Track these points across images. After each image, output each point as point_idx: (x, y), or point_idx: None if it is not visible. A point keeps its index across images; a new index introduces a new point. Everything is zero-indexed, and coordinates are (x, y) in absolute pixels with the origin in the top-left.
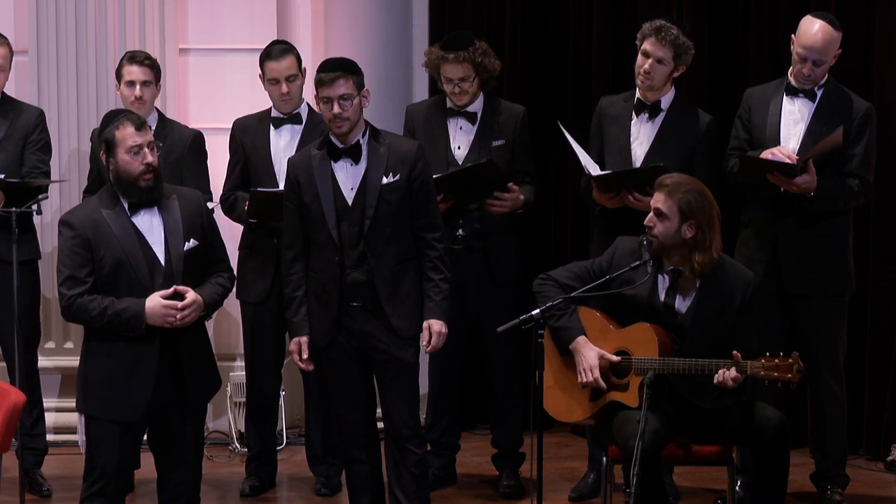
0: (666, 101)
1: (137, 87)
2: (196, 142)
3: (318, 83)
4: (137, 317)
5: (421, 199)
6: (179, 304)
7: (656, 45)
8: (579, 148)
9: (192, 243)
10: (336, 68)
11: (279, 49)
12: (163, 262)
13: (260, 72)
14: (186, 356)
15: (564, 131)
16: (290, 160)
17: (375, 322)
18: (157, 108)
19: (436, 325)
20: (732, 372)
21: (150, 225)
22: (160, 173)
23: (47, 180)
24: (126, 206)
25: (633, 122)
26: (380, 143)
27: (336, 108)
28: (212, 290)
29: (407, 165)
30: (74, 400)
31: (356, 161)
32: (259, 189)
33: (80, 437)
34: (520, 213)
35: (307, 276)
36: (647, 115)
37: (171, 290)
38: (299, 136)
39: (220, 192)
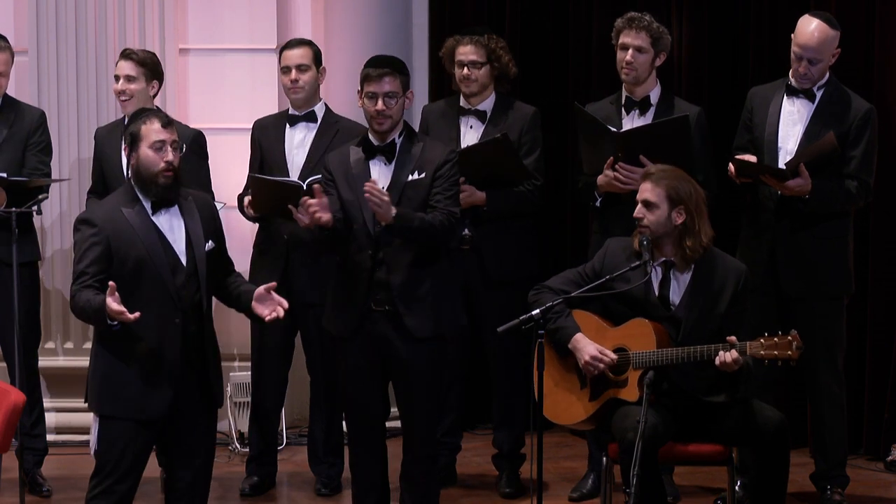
0: (654, 95)
1: (120, 81)
2: (197, 141)
3: (365, 78)
4: (100, 311)
5: (441, 185)
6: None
7: (632, 34)
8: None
9: (210, 245)
10: (385, 65)
11: (296, 40)
12: (184, 262)
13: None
14: (211, 355)
15: (582, 108)
16: (328, 156)
17: (394, 328)
18: (157, 107)
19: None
20: (733, 353)
21: (171, 225)
22: (179, 174)
23: (49, 179)
24: (148, 206)
25: (624, 120)
26: (414, 143)
27: (380, 105)
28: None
29: (434, 165)
30: (75, 400)
31: (389, 160)
32: (256, 175)
33: (91, 439)
34: (484, 210)
35: (339, 266)
36: (637, 111)
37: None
38: (314, 134)
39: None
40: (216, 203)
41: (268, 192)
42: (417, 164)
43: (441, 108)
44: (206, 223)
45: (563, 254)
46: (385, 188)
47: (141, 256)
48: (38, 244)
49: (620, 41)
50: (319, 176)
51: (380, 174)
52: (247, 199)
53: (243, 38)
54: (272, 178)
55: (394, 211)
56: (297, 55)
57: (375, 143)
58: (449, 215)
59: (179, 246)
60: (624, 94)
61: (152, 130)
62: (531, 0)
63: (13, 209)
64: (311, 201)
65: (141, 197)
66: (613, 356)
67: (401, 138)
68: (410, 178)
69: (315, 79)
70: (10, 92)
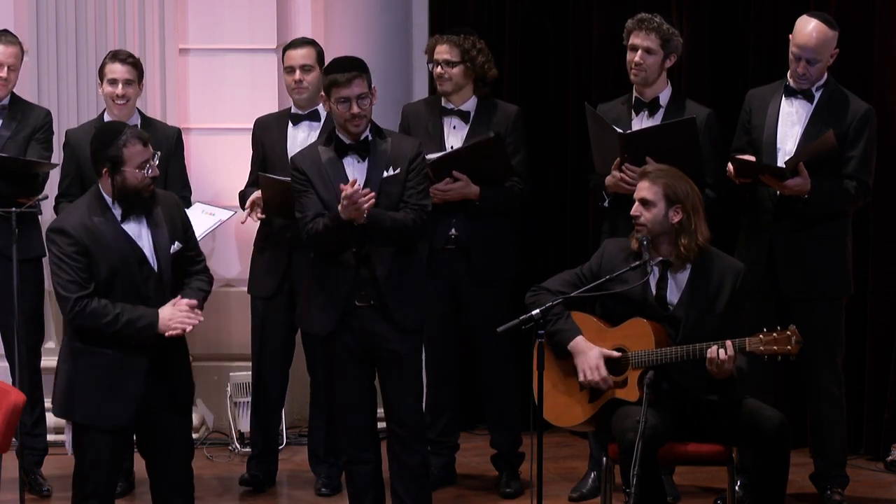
0: (664, 97)
1: (120, 85)
2: (180, 139)
3: (333, 83)
4: (152, 326)
5: (413, 179)
6: (188, 303)
7: (642, 35)
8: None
9: (176, 246)
10: (352, 68)
11: (300, 40)
12: (154, 266)
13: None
14: (176, 356)
15: (591, 108)
16: (293, 157)
17: (381, 321)
18: (137, 108)
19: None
20: (729, 351)
21: (139, 231)
22: (155, 182)
23: (44, 161)
24: (118, 213)
25: (633, 120)
26: (383, 139)
27: (355, 108)
28: (195, 295)
29: (406, 160)
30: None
31: (363, 157)
32: (265, 174)
33: (67, 439)
34: (477, 204)
35: (315, 266)
36: (646, 112)
37: (179, 300)
38: (317, 133)
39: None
40: (226, 211)
41: (275, 192)
42: (391, 160)
43: (421, 107)
44: (172, 223)
45: (563, 254)
46: (361, 184)
47: (113, 266)
48: (44, 241)
49: (630, 42)
50: None
51: (354, 172)
52: (253, 196)
53: (243, 38)
54: (279, 178)
55: (366, 212)
56: (301, 55)
57: (347, 141)
58: (420, 210)
59: (149, 251)
60: (634, 94)
61: (136, 153)
62: (531, 0)
63: (13, 209)
64: (357, 193)
65: (111, 204)
66: (608, 381)
67: (371, 135)
68: (386, 174)
69: (318, 79)
70: None
